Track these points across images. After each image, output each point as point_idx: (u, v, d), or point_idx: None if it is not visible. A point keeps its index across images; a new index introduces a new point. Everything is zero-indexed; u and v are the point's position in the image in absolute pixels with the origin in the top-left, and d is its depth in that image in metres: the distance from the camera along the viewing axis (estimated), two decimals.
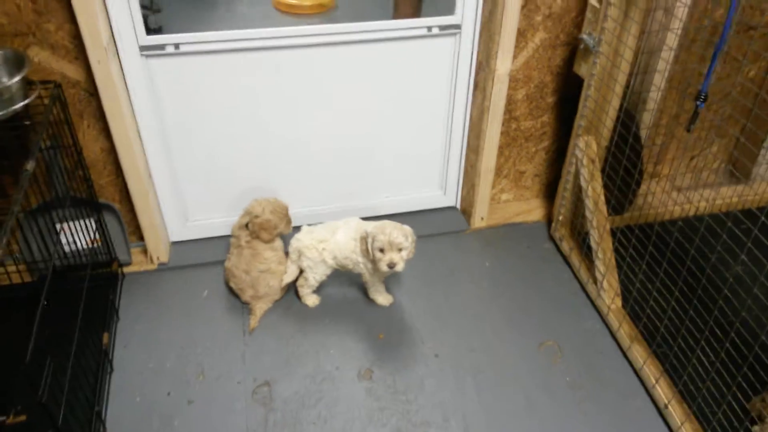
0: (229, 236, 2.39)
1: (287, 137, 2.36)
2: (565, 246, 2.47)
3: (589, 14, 2.09)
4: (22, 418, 1.42)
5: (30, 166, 1.56)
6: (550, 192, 2.76)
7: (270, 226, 2.20)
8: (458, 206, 2.73)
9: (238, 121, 2.28)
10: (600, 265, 2.18)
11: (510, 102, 2.39)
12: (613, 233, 2.23)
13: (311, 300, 2.27)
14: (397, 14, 2.22)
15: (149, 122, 2.17)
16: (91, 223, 2.25)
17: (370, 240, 2.02)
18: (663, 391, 1.91)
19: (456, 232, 2.64)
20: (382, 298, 2.27)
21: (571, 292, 2.36)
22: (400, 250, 2.00)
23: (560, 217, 2.48)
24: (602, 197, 2.17)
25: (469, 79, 2.36)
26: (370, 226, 2.06)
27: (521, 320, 2.24)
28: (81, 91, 2.04)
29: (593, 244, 2.20)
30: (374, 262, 2.04)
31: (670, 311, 2.07)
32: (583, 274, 2.34)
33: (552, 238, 2.58)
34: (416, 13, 2.22)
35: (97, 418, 1.83)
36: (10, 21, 1.84)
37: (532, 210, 2.73)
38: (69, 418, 1.60)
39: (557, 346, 2.15)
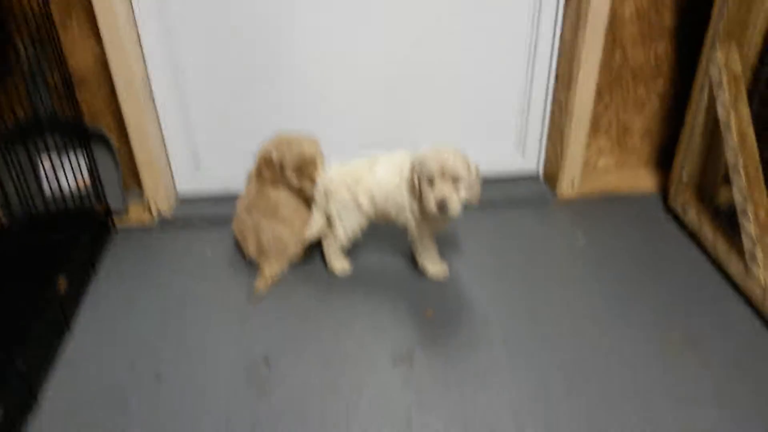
0: None
1: (325, 62, 1.87)
2: (692, 215, 1.80)
3: None
4: None
5: None
6: (665, 159, 2.10)
7: (272, 163, 1.64)
8: (540, 173, 2.12)
9: (267, 34, 1.81)
10: (751, 228, 1.51)
11: (614, 21, 1.81)
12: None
13: (340, 264, 1.72)
14: None
15: (152, 26, 1.74)
16: (78, 159, 1.82)
17: (417, 167, 1.46)
18: None
19: (538, 202, 2.02)
20: (434, 267, 1.69)
21: (702, 273, 1.69)
22: (455, 181, 1.43)
23: (683, 176, 1.82)
24: (751, 127, 1.52)
25: None
26: (429, 149, 1.50)
27: (632, 308, 1.58)
28: None
29: (738, 197, 1.54)
30: (421, 200, 1.48)
31: None
32: (721, 249, 1.66)
33: (671, 210, 1.92)
34: None
35: (27, 388, 1.32)
36: None
37: (640, 180, 2.08)
38: None
39: (689, 342, 1.47)
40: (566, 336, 1.49)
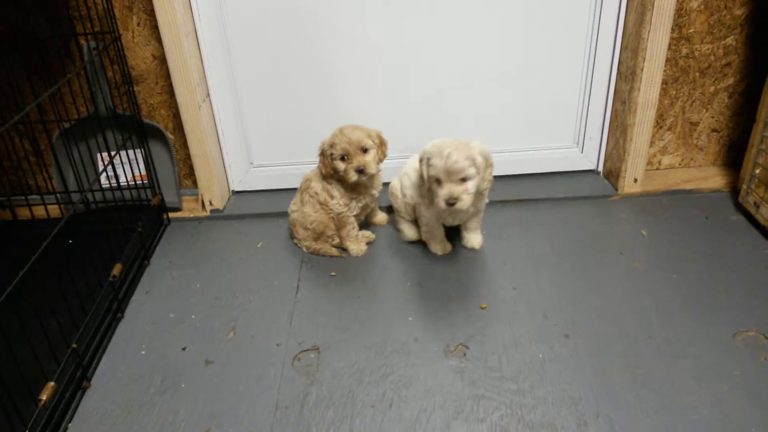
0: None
1: (382, 61, 1.86)
2: (765, 212, 1.69)
3: None
4: None
5: None
6: (734, 157, 1.99)
7: (324, 154, 1.65)
8: (600, 169, 2.04)
9: (322, 37, 1.82)
10: None
11: (681, 12, 1.74)
12: None
13: (408, 233, 1.79)
14: None
15: (210, 26, 1.77)
16: (136, 153, 1.86)
17: (424, 164, 1.48)
18: None
19: (598, 197, 1.94)
20: (436, 248, 1.72)
21: None
22: (464, 180, 1.42)
23: (757, 171, 1.72)
24: None
25: None
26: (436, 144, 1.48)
27: (702, 303, 1.49)
28: None
29: None
30: (430, 197, 1.52)
31: None
32: None
33: (740, 208, 1.81)
34: None
35: (78, 365, 1.33)
36: None
37: (707, 177, 1.98)
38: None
39: (764, 339, 1.37)
40: (631, 330, 1.41)
